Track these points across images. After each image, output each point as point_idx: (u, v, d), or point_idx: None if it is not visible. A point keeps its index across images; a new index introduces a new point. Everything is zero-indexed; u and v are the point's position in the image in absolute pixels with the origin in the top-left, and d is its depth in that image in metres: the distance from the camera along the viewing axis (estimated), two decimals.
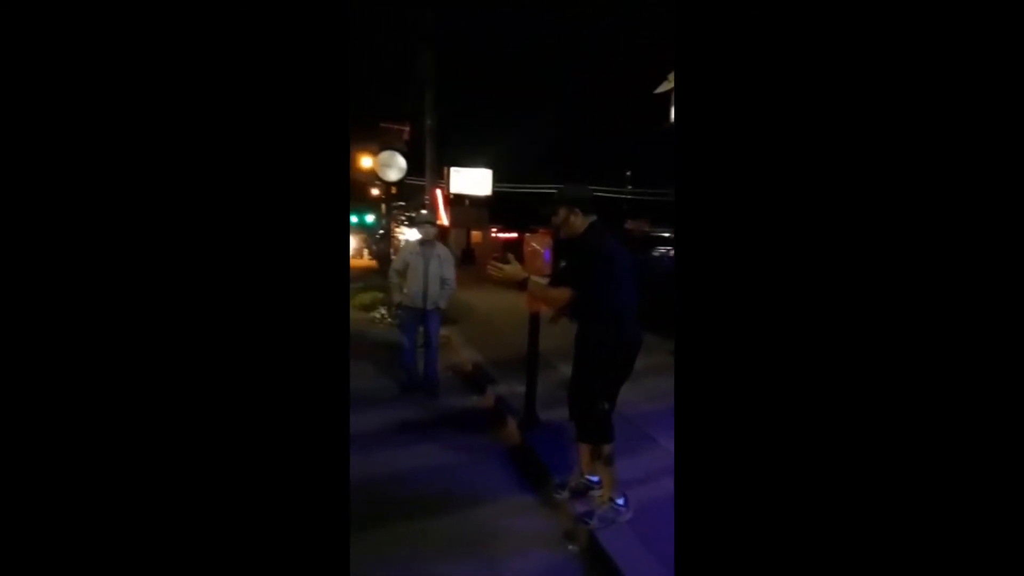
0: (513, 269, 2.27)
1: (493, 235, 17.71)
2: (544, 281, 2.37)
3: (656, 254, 7.52)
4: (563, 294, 2.19)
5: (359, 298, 7.83)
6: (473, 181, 13.79)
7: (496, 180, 14.27)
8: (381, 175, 8.28)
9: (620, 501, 2.25)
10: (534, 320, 3.31)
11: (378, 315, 7.14)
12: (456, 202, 13.44)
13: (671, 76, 4.33)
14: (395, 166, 8.21)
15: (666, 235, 7.96)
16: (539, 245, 2.47)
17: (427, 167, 9.17)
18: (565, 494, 2.46)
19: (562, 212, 2.24)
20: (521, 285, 2.27)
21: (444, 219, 11.08)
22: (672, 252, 7.35)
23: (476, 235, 18.36)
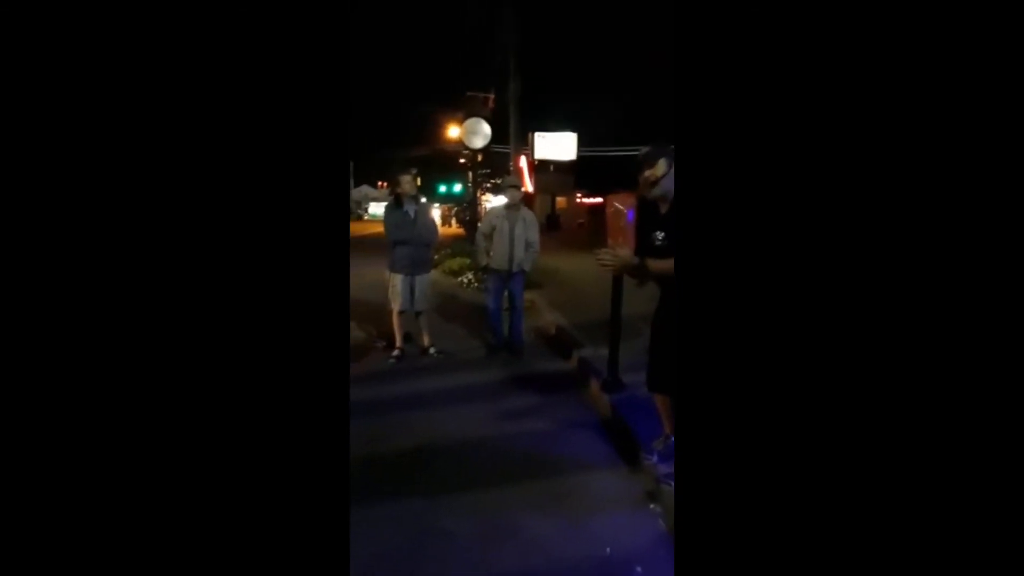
0: (625, 254, 2.12)
1: (578, 200, 17.40)
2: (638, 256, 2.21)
3: None
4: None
5: (447, 264, 8.11)
6: (558, 146, 13.58)
7: (580, 144, 13.94)
8: (467, 142, 8.40)
9: None
10: (617, 284, 3.26)
11: (465, 280, 7.35)
12: (540, 168, 13.33)
13: None
14: (480, 133, 8.29)
15: None
16: (622, 205, 2.39)
17: (511, 133, 9.17)
18: (654, 458, 2.44)
19: (661, 165, 2.07)
20: (638, 270, 2.11)
21: (529, 186, 11.07)
22: None
23: (561, 201, 18.15)
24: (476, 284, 6.99)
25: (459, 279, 7.51)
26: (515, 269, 4.16)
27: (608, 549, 1.95)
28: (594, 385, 3.45)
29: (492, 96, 10.89)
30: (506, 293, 4.30)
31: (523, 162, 9.56)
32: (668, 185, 2.09)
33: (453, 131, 11.22)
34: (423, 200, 4.34)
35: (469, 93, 10.45)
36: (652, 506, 2.21)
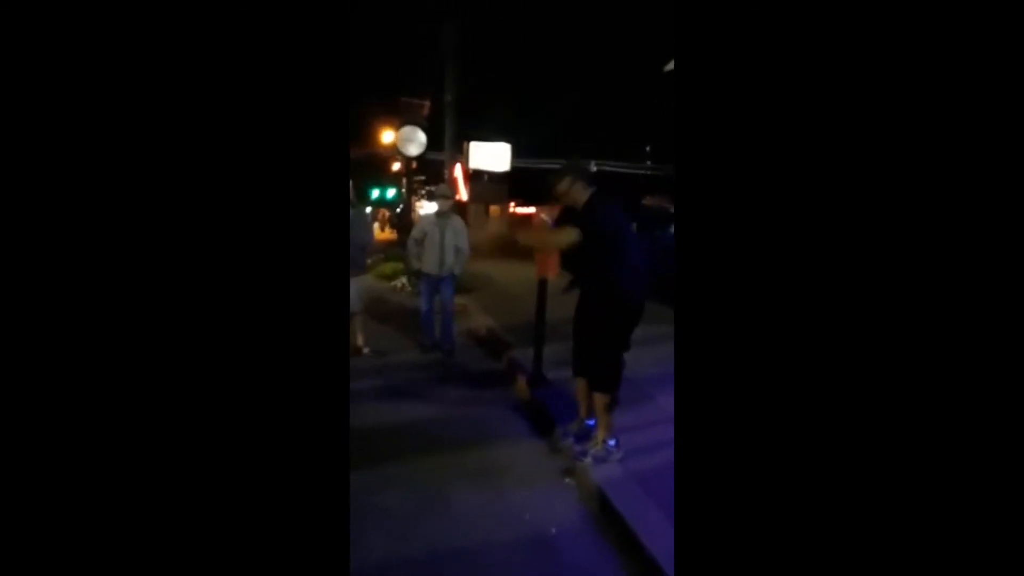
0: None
1: (511, 211, 17.86)
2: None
3: (673, 229, 7.64)
4: (563, 234, 2.47)
5: (381, 268, 8.17)
6: (492, 156, 13.91)
7: (515, 155, 14.37)
8: (402, 149, 8.51)
9: (612, 443, 2.54)
10: (542, 285, 3.57)
11: (399, 284, 7.47)
12: (475, 177, 13.61)
13: None
14: (416, 140, 8.43)
15: None
16: (547, 216, 2.70)
17: (447, 142, 9.38)
18: (569, 440, 2.75)
19: (565, 181, 2.50)
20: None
21: (464, 194, 11.31)
22: None
23: (494, 210, 18.50)
24: (410, 288, 7.13)
25: (393, 283, 7.61)
26: (445, 273, 4.39)
27: (527, 515, 2.22)
28: (521, 380, 3.74)
29: (428, 104, 11.03)
30: (437, 296, 4.52)
31: (458, 170, 9.77)
32: (570, 198, 2.53)
33: (387, 136, 11.25)
34: (365, 208, 4.48)
35: (404, 99, 10.54)
36: (567, 480, 2.51)
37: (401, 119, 9.31)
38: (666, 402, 3.25)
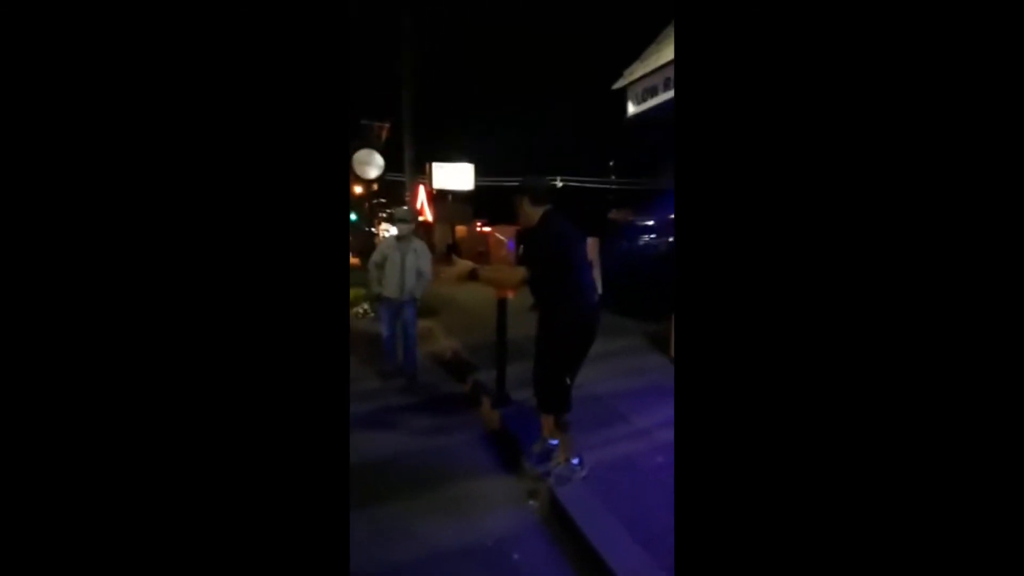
0: (460, 266, 2.50)
1: (477, 229, 17.90)
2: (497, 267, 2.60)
3: (640, 243, 7.76)
4: (515, 273, 2.41)
5: None
6: (456, 176, 13.97)
7: (480, 175, 14.45)
8: (359, 173, 8.45)
9: (575, 461, 2.51)
10: (502, 306, 3.55)
11: (361, 310, 7.34)
12: (440, 197, 13.63)
13: (626, 72, 4.59)
14: (374, 164, 8.40)
15: (649, 224, 8.20)
16: (503, 235, 2.73)
17: (406, 164, 9.37)
18: (532, 460, 2.71)
19: (516, 200, 2.49)
20: (472, 276, 2.47)
21: (428, 215, 11.28)
22: (654, 239, 7.63)
23: (460, 229, 18.52)
24: (372, 313, 7.01)
25: (355, 309, 7.47)
26: (406, 297, 4.33)
27: (490, 542, 2.17)
28: (485, 402, 3.69)
29: (388, 125, 11.02)
30: (398, 320, 4.44)
31: (422, 194, 9.72)
32: (523, 217, 2.51)
33: None
34: None
35: (363, 121, 10.49)
36: (531, 503, 2.47)
37: (362, 141, 9.29)
38: (633, 417, 3.25)
